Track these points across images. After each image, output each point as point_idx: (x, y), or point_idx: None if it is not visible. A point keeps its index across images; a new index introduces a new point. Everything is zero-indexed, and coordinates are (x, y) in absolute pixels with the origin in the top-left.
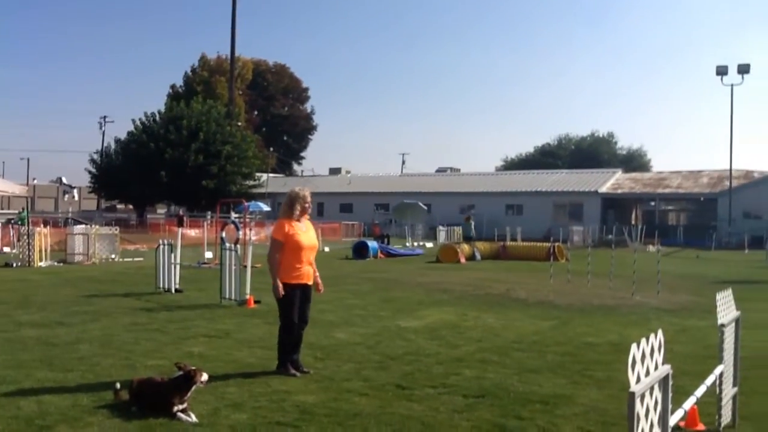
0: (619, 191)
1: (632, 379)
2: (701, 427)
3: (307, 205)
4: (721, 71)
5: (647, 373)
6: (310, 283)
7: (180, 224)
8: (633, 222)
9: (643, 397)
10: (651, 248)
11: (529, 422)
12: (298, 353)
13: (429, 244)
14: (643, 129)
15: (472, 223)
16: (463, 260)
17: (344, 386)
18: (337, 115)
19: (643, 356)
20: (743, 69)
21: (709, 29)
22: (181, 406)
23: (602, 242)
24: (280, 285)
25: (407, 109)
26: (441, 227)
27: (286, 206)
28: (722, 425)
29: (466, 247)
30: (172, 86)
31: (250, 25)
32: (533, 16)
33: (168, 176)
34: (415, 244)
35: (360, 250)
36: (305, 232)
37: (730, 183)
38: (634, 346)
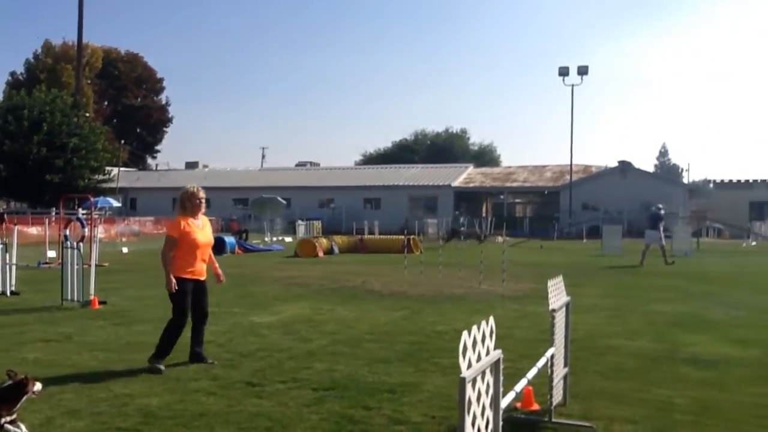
0: (471, 185)
1: (463, 365)
2: (536, 407)
3: (198, 201)
4: (563, 72)
5: (479, 359)
6: (204, 278)
7: (0, 222)
8: (483, 214)
9: (474, 382)
10: (499, 239)
11: (377, 411)
12: (201, 346)
13: (288, 239)
14: (494, 126)
15: (461, 219)
16: (321, 254)
17: (191, 386)
18: (194, 107)
19: (475, 342)
20: (582, 70)
21: (553, 31)
22: (9, 418)
23: (455, 234)
24: (173, 280)
25: (267, 102)
26: (300, 222)
27: (179, 204)
28: (554, 404)
29: (324, 241)
30: (12, 74)
31: (99, 10)
32: (386, 13)
33: (7, 170)
34: (274, 239)
35: (216, 247)
36: (201, 229)
37: (571, 177)
38: (465, 333)
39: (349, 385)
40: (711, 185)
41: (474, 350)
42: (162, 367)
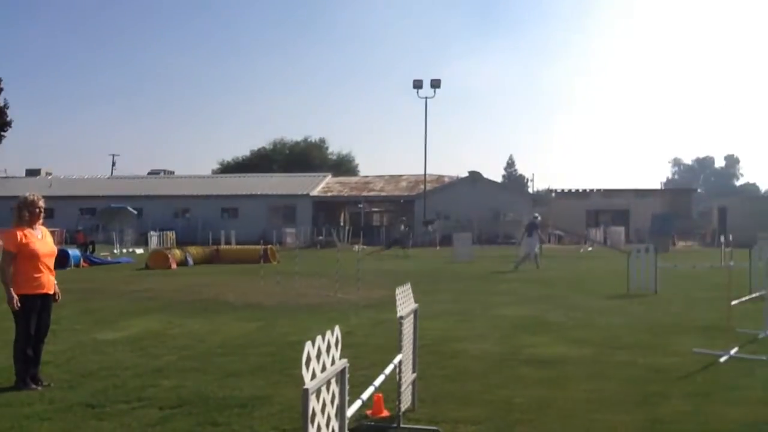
0: (329, 194)
1: (307, 376)
2: (386, 413)
3: (37, 210)
4: (417, 85)
5: (323, 369)
6: (51, 291)
7: None
8: (342, 223)
9: (319, 392)
10: (356, 248)
11: (226, 428)
12: (36, 367)
13: (139, 251)
14: (352, 136)
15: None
16: (174, 266)
17: (24, 412)
18: (37, 112)
19: (320, 353)
20: (435, 84)
21: (409, 45)
22: None
23: (313, 243)
24: (16, 297)
25: (118, 109)
26: (153, 232)
27: (16, 213)
28: (403, 410)
29: (177, 252)
30: None
31: None
32: (244, 21)
33: None
34: (124, 251)
35: (58, 260)
36: (41, 239)
37: (425, 186)
38: (308, 343)
39: (198, 401)
40: (552, 194)
41: (318, 360)
42: (34, 386)
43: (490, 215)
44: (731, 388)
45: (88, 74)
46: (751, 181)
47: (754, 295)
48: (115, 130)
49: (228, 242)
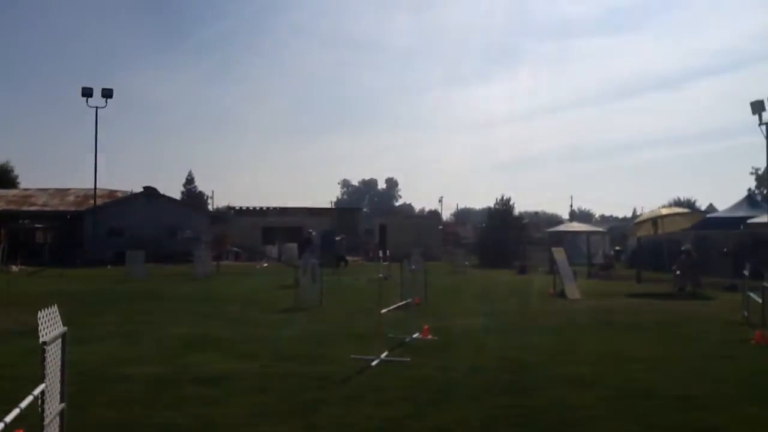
0: None
1: None
2: None
3: None
4: (87, 93)
5: None
6: None
7: None
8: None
9: None
10: (14, 268)
11: None
12: None
13: None
14: (10, 144)
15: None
16: None
17: None
18: None
19: None
20: (107, 93)
21: (82, 50)
22: None
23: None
24: None
25: None
26: None
27: None
28: None
29: None
30: None
31: None
32: None
33: None
34: None
35: None
36: None
37: (95, 201)
38: None
39: None
40: (232, 212)
41: None
42: None
43: (167, 232)
44: (380, 389)
45: None
46: (408, 202)
47: (400, 303)
48: None
49: None
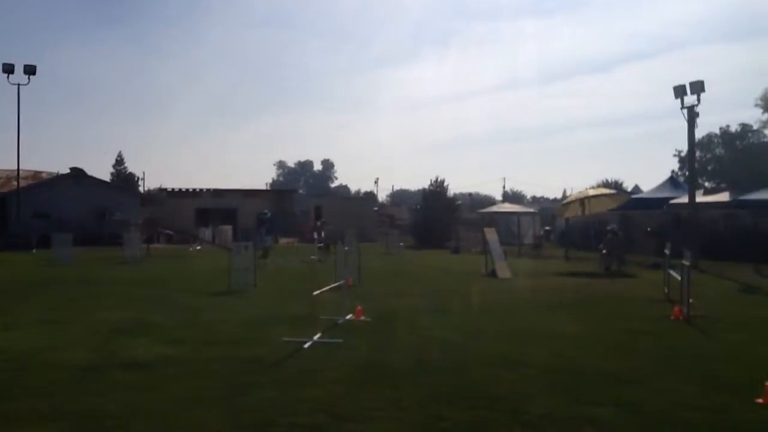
0: None
1: None
2: None
3: None
4: (8, 69)
5: None
6: None
7: None
8: None
9: None
10: None
11: None
12: None
13: None
14: None
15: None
16: None
17: None
18: None
19: None
20: (30, 70)
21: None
22: None
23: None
24: None
25: None
26: None
27: None
28: None
29: None
30: None
31: None
32: None
33: None
34: None
35: None
36: None
37: (18, 182)
38: None
39: None
40: (164, 194)
41: None
42: None
43: (95, 215)
44: (313, 371)
45: None
46: (344, 183)
47: (333, 285)
48: None
49: None
